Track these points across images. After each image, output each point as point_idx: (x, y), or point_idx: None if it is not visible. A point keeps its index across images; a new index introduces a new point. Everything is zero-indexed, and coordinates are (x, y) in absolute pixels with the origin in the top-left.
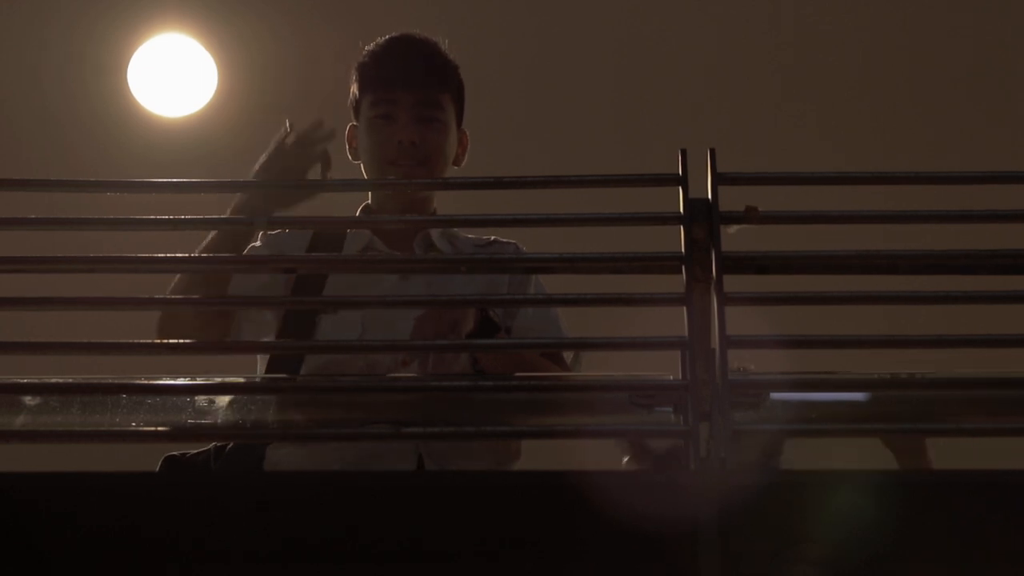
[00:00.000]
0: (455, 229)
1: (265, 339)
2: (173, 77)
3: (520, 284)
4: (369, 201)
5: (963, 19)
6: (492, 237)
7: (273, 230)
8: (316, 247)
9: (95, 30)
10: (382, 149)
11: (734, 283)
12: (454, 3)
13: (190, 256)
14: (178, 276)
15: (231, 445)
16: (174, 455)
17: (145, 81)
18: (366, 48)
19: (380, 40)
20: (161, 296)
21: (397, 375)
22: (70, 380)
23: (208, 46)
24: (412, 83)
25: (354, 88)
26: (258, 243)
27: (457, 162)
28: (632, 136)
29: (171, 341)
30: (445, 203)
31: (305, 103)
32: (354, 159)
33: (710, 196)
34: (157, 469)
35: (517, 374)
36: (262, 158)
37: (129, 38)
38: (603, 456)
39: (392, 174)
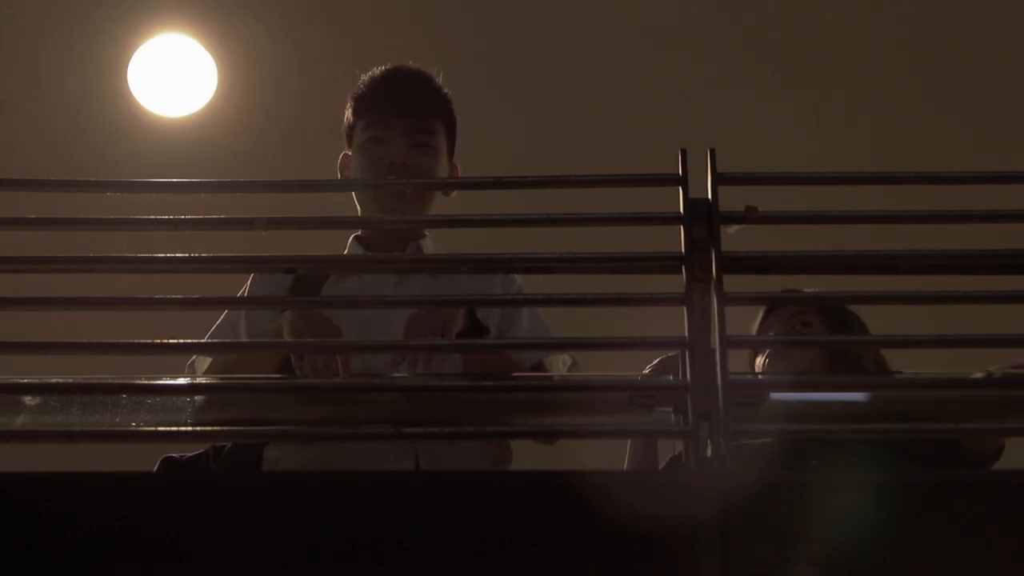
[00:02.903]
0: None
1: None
2: (173, 77)
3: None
4: (360, 232)
5: (963, 18)
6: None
7: (273, 230)
8: (298, 289)
9: (95, 30)
10: (373, 170)
11: (734, 283)
12: (453, 3)
13: (190, 256)
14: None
15: (229, 445)
16: (172, 456)
17: (145, 81)
18: (362, 78)
19: (376, 71)
20: (161, 296)
21: (395, 376)
22: (70, 380)
23: (208, 46)
24: (405, 108)
25: (348, 115)
26: (245, 291)
27: (446, 193)
28: (632, 136)
29: (171, 341)
30: (443, 207)
31: (304, 103)
32: None
33: (710, 196)
34: (155, 471)
35: (516, 374)
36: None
37: (129, 38)
38: (603, 456)
39: (383, 197)
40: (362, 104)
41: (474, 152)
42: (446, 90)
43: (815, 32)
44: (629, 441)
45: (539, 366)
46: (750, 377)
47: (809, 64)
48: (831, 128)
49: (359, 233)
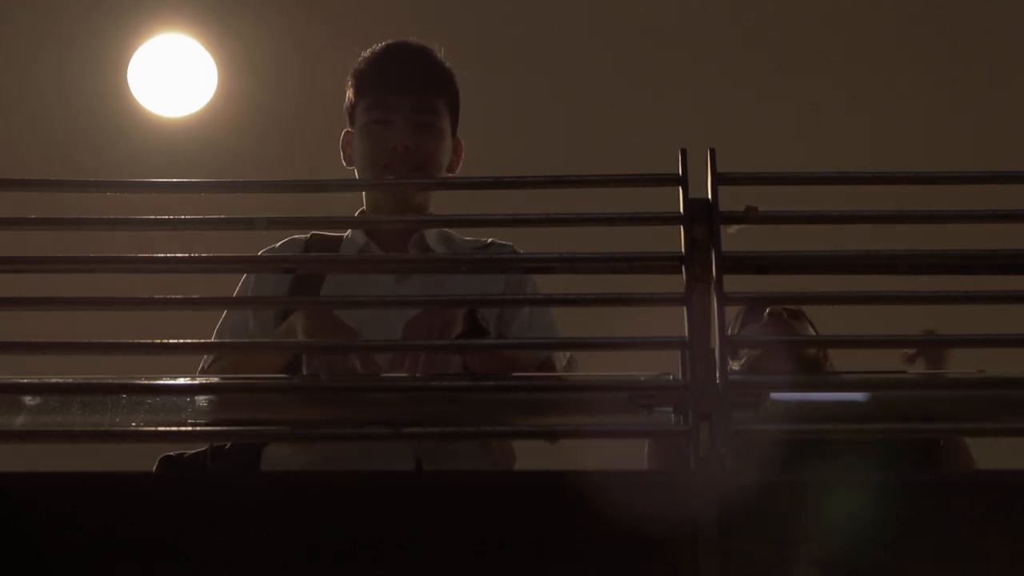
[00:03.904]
0: (451, 232)
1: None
2: (173, 77)
3: (516, 288)
4: (364, 207)
5: (963, 18)
6: (489, 240)
7: (273, 230)
8: (298, 288)
9: (95, 30)
10: (376, 154)
11: (734, 283)
12: (454, 4)
13: (190, 256)
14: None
15: (228, 445)
16: (170, 455)
17: (145, 81)
18: (362, 54)
19: (376, 47)
20: (161, 296)
21: (394, 376)
22: (70, 380)
23: (208, 46)
24: (408, 88)
25: (349, 93)
26: (250, 285)
27: (452, 169)
28: (632, 136)
29: (171, 341)
30: (444, 204)
31: (305, 103)
32: (348, 165)
33: (710, 196)
34: (153, 469)
35: (516, 374)
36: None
37: (129, 38)
38: (603, 456)
39: (386, 177)
40: (363, 83)
41: (474, 152)
42: (447, 64)
43: (815, 31)
44: (647, 442)
45: (547, 362)
46: (750, 377)
47: (809, 63)
48: (831, 127)
49: (363, 208)
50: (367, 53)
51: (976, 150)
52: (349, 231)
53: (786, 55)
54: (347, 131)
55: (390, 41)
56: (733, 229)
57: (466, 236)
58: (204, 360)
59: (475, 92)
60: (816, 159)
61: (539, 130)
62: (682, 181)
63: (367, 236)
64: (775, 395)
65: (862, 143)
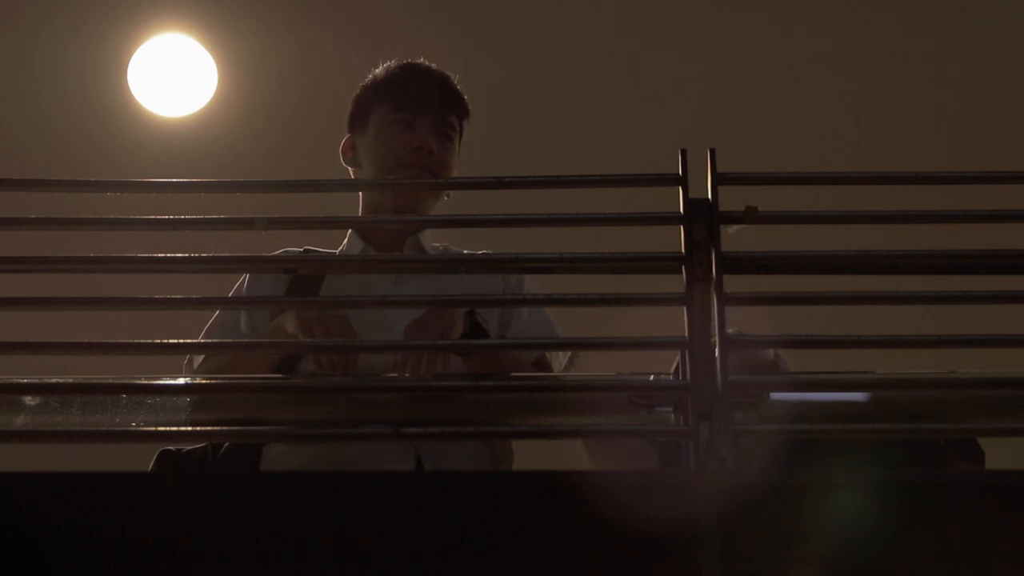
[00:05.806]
0: (447, 244)
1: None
2: (173, 77)
3: (514, 290)
4: (361, 214)
5: (962, 23)
6: (482, 252)
7: (273, 230)
8: (296, 289)
9: (95, 30)
10: (397, 151)
11: (734, 283)
12: (456, 4)
13: (190, 256)
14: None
15: (228, 443)
16: (169, 450)
17: (145, 81)
18: (381, 65)
19: (396, 62)
20: (161, 296)
21: (394, 376)
22: (70, 380)
23: (208, 46)
24: (434, 100)
25: (365, 99)
26: (243, 287)
27: (448, 194)
28: (632, 136)
29: (172, 341)
30: (443, 205)
31: (305, 103)
32: (347, 164)
33: (710, 196)
34: (152, 464)
35: (516, 374)
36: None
37: (129, 38)
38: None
39: (402, 177)
40: (385, 90)
41: (475, 151)
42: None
43: (816, 32)
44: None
45: (542, 357)
46: (750, 377)
47: (812, 62)
48: (832, 126)
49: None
50: (389, 64)
51: (976, 149)
52: (344, 244)
53: (788, 54)
54: (348, 137)
55: (410, 60)
56: (733, 229)
57: (463, 249)
58: (191, 358)
59: (476, 90)
60: (816, 158)
61: (539, 130)
62: (682, 181)
63: (364, 242)
64: (775, 395)
65: (863, 142)
